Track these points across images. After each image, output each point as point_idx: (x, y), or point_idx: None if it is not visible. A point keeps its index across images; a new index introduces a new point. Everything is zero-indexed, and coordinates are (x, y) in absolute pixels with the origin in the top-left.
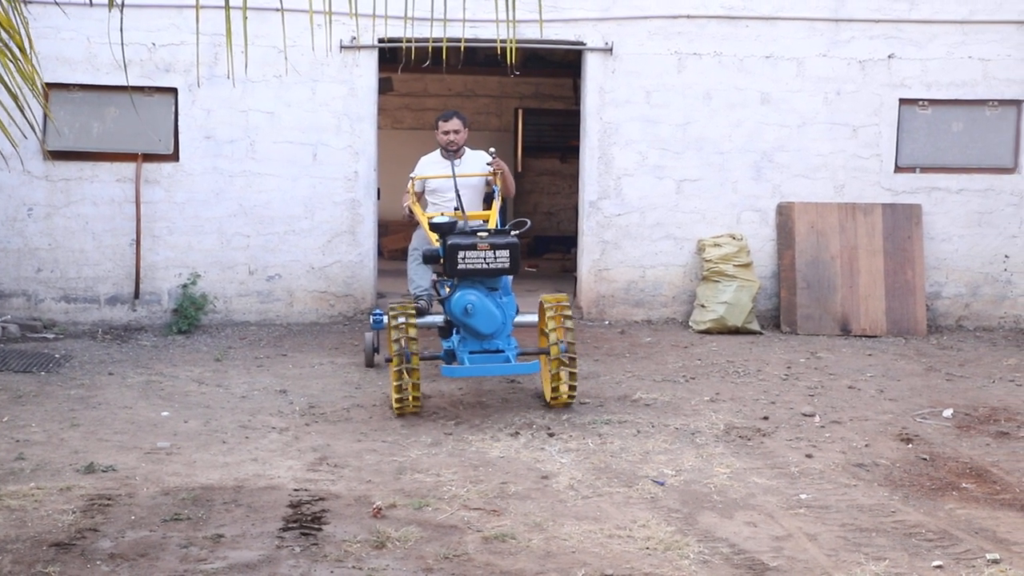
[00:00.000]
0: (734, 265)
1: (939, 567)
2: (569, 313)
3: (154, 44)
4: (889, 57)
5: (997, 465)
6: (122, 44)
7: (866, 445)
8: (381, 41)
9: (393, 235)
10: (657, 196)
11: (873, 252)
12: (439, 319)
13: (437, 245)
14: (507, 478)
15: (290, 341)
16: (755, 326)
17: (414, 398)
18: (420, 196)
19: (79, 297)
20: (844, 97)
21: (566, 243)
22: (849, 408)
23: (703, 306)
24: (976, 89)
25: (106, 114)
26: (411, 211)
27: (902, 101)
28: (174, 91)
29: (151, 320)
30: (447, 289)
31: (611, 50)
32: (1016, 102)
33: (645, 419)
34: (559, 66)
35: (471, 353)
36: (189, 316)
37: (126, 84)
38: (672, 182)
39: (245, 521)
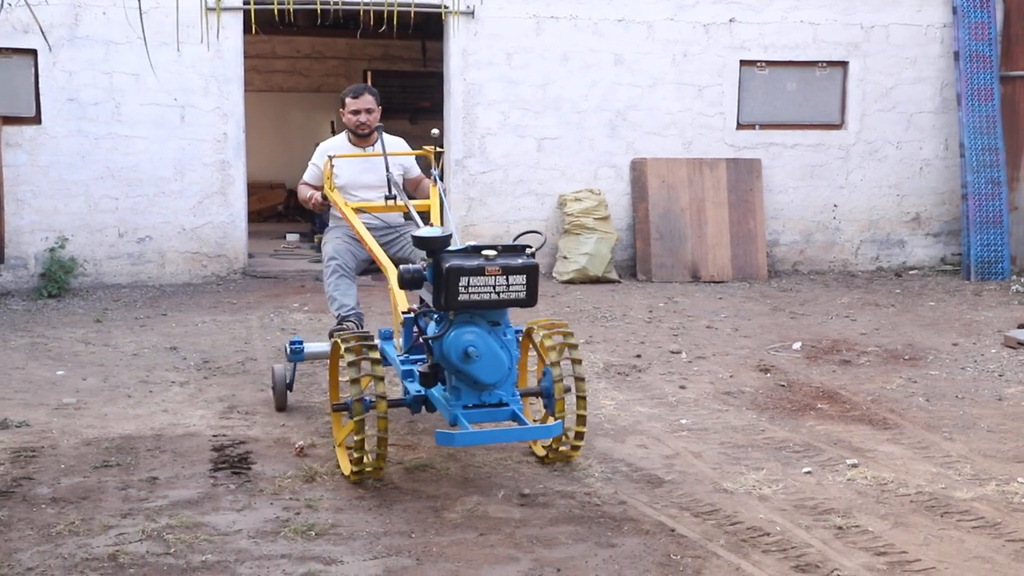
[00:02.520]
0: (594, 218)
1: (808, 472)
2: (576, 342)
3: (10, 4)
4: (730, 21)
5: (844, 388)
6: None
7: (730, 376)
8: (246, 3)
9: (252, 196)
10: (519, 154)
11: (719, 204)
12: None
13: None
14: (414, 417)
15: (167, 301)
16: (614, 275)
17: (380, 457)
18: (317, 189)
19: None
20: (690, 59)
21: None
22: (710, 345)
23: (566, 258)
24: (807, 51)
25: None
26: (325, 199)
27: (742, 62)
28: (34, 52)
29: (18, 285)
30: (433, 323)
31: (473, 13)
32: (842, 63)
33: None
34: (407, 28)
35: (466, 408)
36: (58, 280)
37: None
38: (533, 140)
39: (174, 465)
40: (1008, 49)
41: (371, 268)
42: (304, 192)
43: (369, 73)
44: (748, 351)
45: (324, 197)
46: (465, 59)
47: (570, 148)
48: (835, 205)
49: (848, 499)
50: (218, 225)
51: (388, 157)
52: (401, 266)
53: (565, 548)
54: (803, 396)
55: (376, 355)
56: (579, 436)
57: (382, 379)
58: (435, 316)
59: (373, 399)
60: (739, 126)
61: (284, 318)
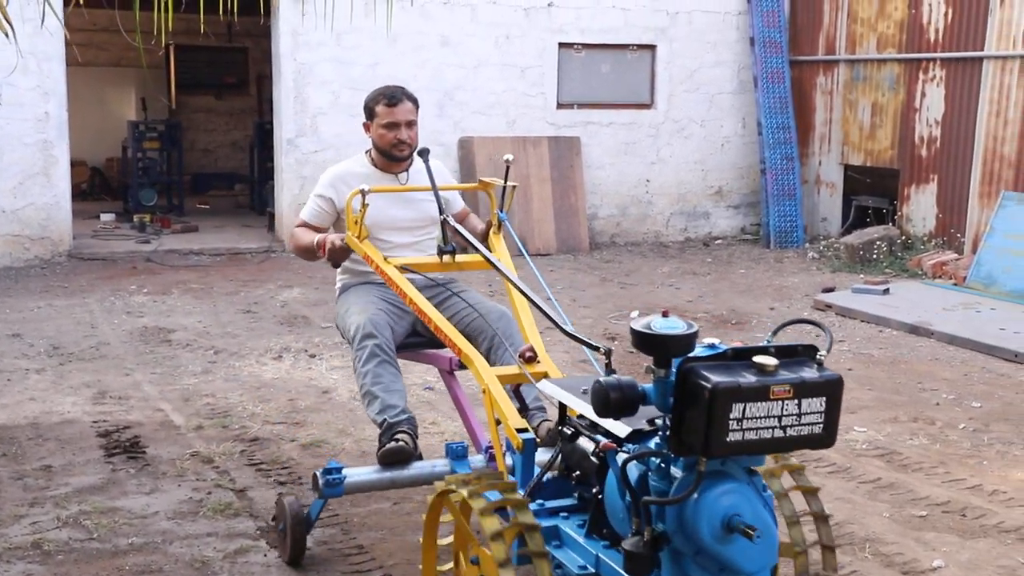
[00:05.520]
0: None
1: None
2: (814, 485)
3: None
4: (548, 5)
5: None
6: None
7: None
8: None
9: None
10: (351, 133)
11: (543, 180)
12: (433, 467)
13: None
14: (292, 396)
15: None
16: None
17: None
18: (316, 229)
19: None
20: (513, 41)
21: (228, 179)
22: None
23: None
24: (620, 35)
25: None
26: (345, 249)
27: (561, 45)
28: None
29: None
30: (651, 471)
31: None
32: (651, 46)
33: None
34: (212, 2)
35: None
36: None
37: None
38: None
39: (63, 452)
40: (795, 36)
41: (407, 343)
42: (304, 237)
43: (172, 47)
44: (591, 320)
45: (341, 246)
46: (295, 39)
47: None
48: (647, 180)
49: None
50: (41, 207)
51: (425, 191)
52: (601, 380)
53: None
54: None
55: (531, 519)
56: None
57: (548, 558)
58: (660, 461)
59: None
60: (559, 106)
61: (126, 301)
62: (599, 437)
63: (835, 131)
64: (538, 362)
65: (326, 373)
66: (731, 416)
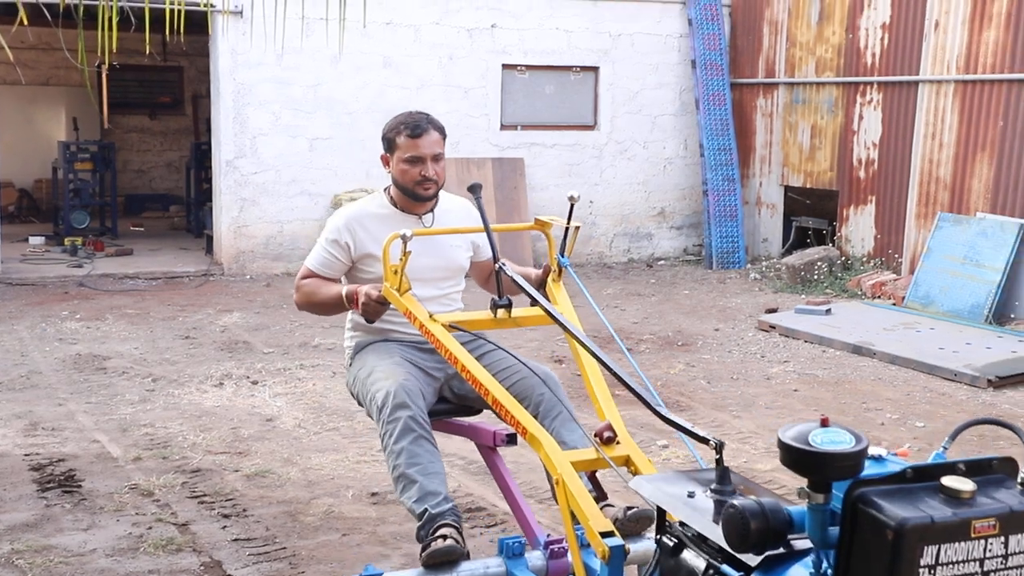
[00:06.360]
0: None
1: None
2: None
3: None
4: (492, 27)
5: (634, 375)
6: None
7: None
8: None
9: None
10: (292, 154)
11: (487, 201)
12: (486, 568)
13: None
14: (235, 424)
15: None
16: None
17: None
18: (324, 281)
19: None
20: (456, 62)
21: (163, 201)
22: (500, 339)
23: None
24: (563, 56)
25: None
26: (383, 303)
27: (504, 66)
28: None
29: None
30: None
31: (241, 13)
32: (594, 68)
33: (332, 362)
34: (144, 21)
35: None
36: None
37: None
38: (305, 140)
39: None
40: (736, 59)
41: (434, 409)
42: (324, 290)
43: (104, 67)
44: (537, 343)
45: (379, 298)
46: (235, 59)
47: (342, 148)
48: (591, 201)
49: None
50: None
51: (454, 234)
52: (738, 505)
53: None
54: None
55: None
56: None
57: None
58: None
59: None
60: (502, 127)
61: (57, 327)
62: (725, 569)
63: (775, 153)
64: (618, 443)
65: (269, 400)
66: (922, 563)
